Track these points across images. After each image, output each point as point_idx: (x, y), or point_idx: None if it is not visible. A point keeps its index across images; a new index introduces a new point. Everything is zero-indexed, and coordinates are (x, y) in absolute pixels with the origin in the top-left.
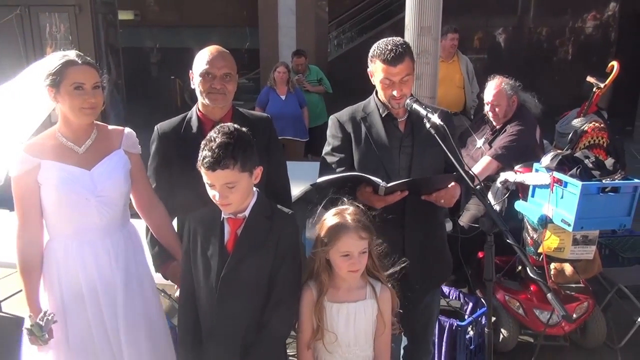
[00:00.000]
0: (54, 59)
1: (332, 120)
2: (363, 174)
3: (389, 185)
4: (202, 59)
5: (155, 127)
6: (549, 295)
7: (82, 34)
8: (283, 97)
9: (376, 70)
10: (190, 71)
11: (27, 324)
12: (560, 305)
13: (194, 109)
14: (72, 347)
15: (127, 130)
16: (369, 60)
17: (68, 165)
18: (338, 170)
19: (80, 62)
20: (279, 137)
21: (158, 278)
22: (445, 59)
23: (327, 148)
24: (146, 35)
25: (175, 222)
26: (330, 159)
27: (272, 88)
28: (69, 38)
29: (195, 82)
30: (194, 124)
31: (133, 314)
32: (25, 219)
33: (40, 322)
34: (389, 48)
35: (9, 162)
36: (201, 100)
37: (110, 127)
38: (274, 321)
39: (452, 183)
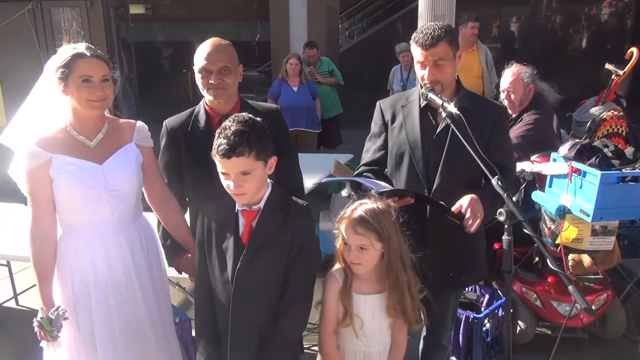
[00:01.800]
0: (63, 52)
1: (376, 105)
2: (359, 179)
3: (380, 191)
4: (199, 55)
5: (164, 122)
6: (570, 287)
7: (94, 28)
8: (295, 89)
9: (413, 53)
10: (193, 67)
11: (38, 316)
12: (582, 298)
13: (202, 103)
14: (82, 343)
15: (139, 123)
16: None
17: (79, 160)
18: (372, 158)
19: (88, 54)
20: (292, 129)
21: (172, 271)
22: (464, 48)
23: (370, 133)
24: (157, 29)
25: (187, 216)
26: (368, 145)
27: (284, 80)
28: (81, 32)
29: (197, 79)
30: (202, 118)
31: (145, 309)
32: (37, 213)
33: (51, 316)
34: (424, 31)
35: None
36: (204, 95)
37: (121, 120)
38: (288, 319)
39: (466, 204)
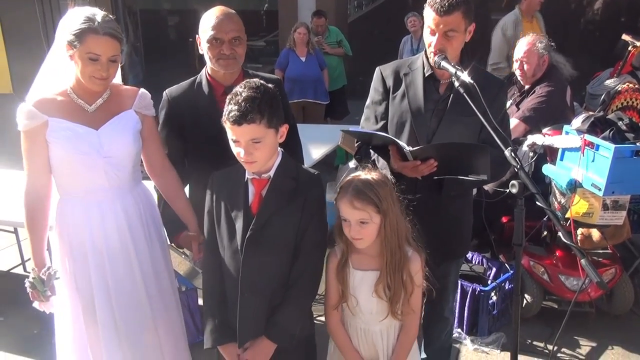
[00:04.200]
0: (77, 19)
1: (376, 71)
2: (391, 137)
3: (413, 149)
4: (208, 23)
5: (164, 92)
6: (583, 261)
7: None
8: (303, 59)
9: (426, 17)
10: (197, 36)
11: (30, 277)
12: (594, 272)
13: (203, 73)
14: (83, 307)
15: (142, 90)
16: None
17: (75, 124)
18: (374, 127)
19: (102, 32)
20: (300, 100)
21: None
22: (527, 17)
23: (368, 100)
24: None
25: (187, 189)
26: (368, 112)
27: (291, 50)
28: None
29: (204, 48)
30: (205, 88)
31: (141, 277)
32: (32, 172)
33: (43, 277)
34: None
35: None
36: (211, 65)
37: (124, 87)
38: (298, 288)
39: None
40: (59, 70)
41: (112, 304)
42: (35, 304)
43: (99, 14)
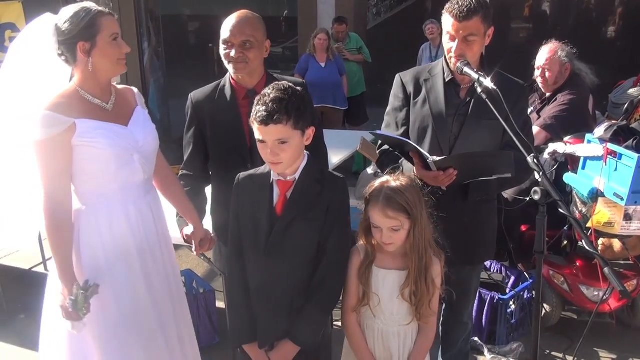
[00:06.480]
0: (78, 13)
1: (396, 78)
2: (416, 145)
3: (437, 159)
4: (224, 27)
5: (189, 95)
6: (606, 270)
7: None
8: (323, 65)
9: (444, 24)
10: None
11: (73, 294)
12: (617, 281)
13: (227, 76)
14: (114, 316)
15: (135, 89)
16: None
17: (105, 123)
18: (399, 132)
19: (107, 12)
20: (319, 105)
21: None
22: None
23: (388, 107)
24: (184, 3)
25: (209, 189)
26: (388, 119)
27: (311, 55)
28: (109, 4)
29: (220, 51)
30: (227, 92)
31: (170, 271)
32: (55, 187)
33: (85, 293)
34: (460, 2)
35: (31, 125)
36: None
37: (119, 85)
38: (321, 292)
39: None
40: (46, 76)
41: (152, 294)
42: (68, 325)
43: (87, 2)
